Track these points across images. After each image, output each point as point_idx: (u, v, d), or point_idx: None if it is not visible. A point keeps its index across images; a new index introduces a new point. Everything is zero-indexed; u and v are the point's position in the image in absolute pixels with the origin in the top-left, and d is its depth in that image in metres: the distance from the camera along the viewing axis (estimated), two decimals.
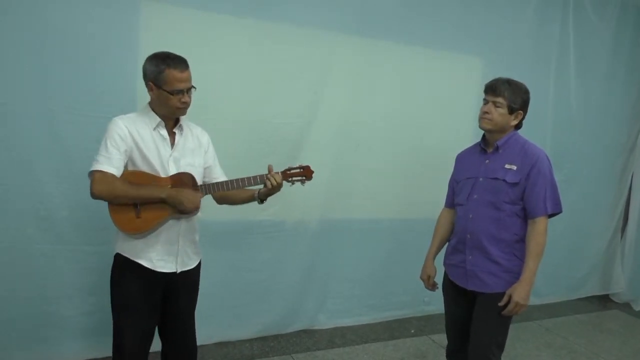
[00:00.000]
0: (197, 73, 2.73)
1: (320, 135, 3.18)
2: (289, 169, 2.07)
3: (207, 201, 2.12)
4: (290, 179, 2.06)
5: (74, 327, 2.66)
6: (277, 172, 2.02)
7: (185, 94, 1.85)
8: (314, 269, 3.34)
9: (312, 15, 3.04)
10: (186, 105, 1.88)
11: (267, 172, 2.01)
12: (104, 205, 1.81)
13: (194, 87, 1.89)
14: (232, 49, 2.87)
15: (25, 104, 2.43)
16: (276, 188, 2.01)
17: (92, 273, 2.62)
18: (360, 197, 3.40)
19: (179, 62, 1.82)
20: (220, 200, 2.16)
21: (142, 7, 2.62)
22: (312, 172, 2.10)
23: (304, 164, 2.10)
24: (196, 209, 1.88)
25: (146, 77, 1.83)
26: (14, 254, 2.49)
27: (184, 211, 1.85)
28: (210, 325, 2.99)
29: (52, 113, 2.48)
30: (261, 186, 2.02)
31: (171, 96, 1.82)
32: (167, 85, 1.80)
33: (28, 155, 2.46)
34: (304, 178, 2.08)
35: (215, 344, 3.06)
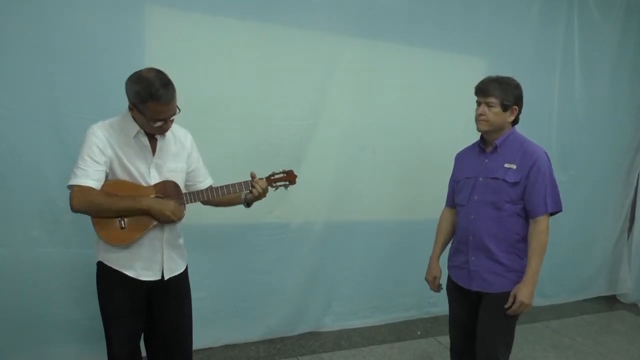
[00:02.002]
0: (201, 76, 2.77)
1: (325, 137, 3.18)
2: (273, 175, 2.06)
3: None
4: (274, 185, 2.06)
5: (78, 329, 2.66)
6: (262, 178, 2.02)
7: (168, 121, 1.78)
8: (320, 271, 3.34)
9: (316, 18, 3.04)
10: (165, 131, 1.83)
11: (251, 179, 1.99)
12: None
13: (179, 110, 1.80)
14: (236, 52, 2.87)
15: (32, 107, 2.44)
16: (262, 194, 2.02)
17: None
18: (365, 199, 3.39)
19: (164, 94, 1.68)
20: (205, 202, 2.12)
21: (147, 11, 2.63)
22: (296, 176, 2.09)
23: (287, 169, 2.09)
24: (179, 219, 1.87)
25: (127, 95, 1.74)
26: (18, 256, 2.50)
27: (166, 222, 1.84)
28: (216, 327, 3.00)
29: (58, 116, 2.49)
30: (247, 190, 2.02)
31: (151, 122, 1.75)
32: (148, 114, 1.72)
33: (34, 157, 2.47)
34: (287, 183, 2.08)
35: (222, 346, 3.06)
